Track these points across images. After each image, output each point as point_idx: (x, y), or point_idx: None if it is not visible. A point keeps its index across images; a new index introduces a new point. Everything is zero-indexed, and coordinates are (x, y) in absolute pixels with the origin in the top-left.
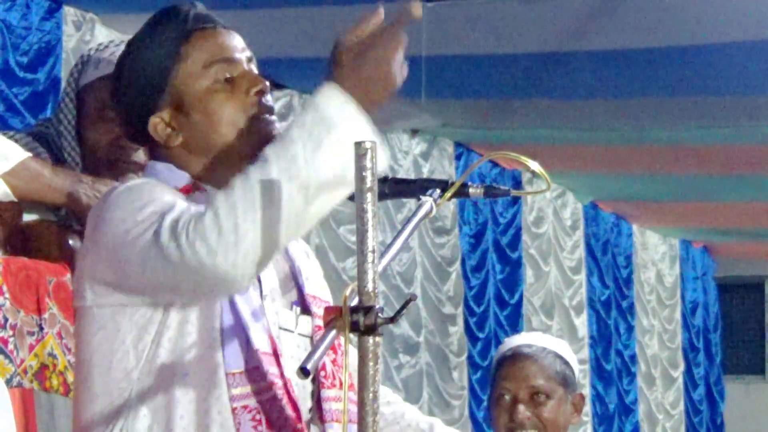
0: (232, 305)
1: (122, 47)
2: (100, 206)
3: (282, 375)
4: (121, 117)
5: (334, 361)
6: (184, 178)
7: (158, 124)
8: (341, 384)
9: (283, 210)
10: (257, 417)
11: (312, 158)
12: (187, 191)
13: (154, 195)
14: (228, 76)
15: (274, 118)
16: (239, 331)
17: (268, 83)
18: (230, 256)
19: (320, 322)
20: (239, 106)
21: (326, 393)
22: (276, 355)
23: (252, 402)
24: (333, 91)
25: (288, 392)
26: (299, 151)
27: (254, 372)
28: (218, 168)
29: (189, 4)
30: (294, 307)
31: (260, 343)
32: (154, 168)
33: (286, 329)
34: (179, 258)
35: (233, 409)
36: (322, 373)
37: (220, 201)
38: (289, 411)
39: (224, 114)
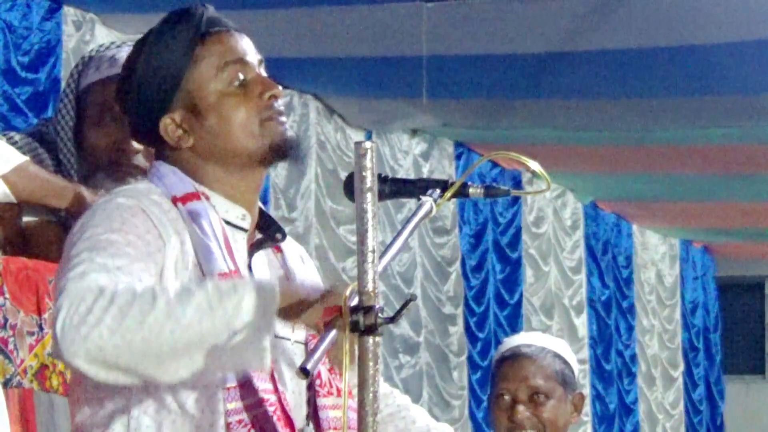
0: None
1: (124, 48)
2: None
3: (276, 389)
4: (130, 116)
5: (330, 369)
6: (187, 184)
7: (169, 125)
8: (339, 392)
9: (146, 339)
10: None
11: (203, 317)
12: (189, 199)
13: (113, 237)
14: (242, 78)
15: (285, 119)
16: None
17: (280, 87)
18: (74, 339)
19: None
20: (252, 109)
21: (322, 401)
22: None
23: (246, 417)
24: (271, 293)
25: (282, 405)
26: (199, 302)
27: (244, 387)
28: (228, 174)
29: (201, 6)
30: None
31: None
32: (158, 171)
33: (281, 337)
34: (55, 311)
35: (228, 424)
36: (318, 381)
37: (107, 295)
38: (281, 427)
39: (237, 118)
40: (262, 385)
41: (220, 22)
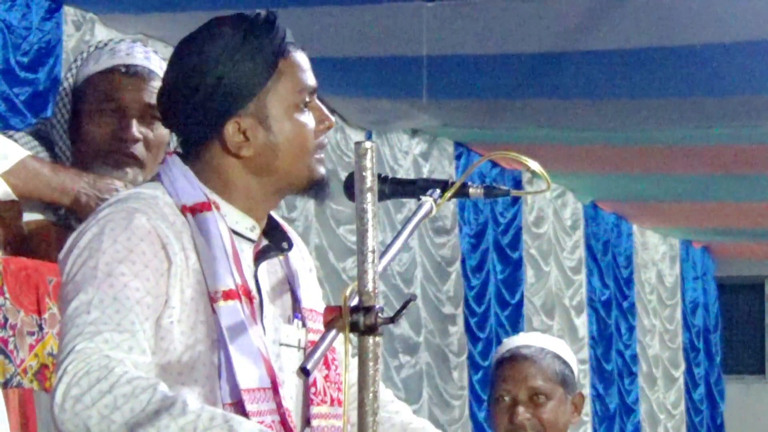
0: (222, 341)
1: (124, 43)
2: (85, 232)
3: (279, 406)
4: (184, 113)
5: (326, 377)
6: (198, 192)
7: (235, 129)
8: (332, 401)
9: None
10: None
11: None
12: (198, 209)
13: (120, 270)
14: (307, 101)
15: (324, 155)
16: (229, 366)
17: (333, 120)
18: (68, 410)
19: (314, 337)
20: (310, 136)
21: (314, 410)
22: (275, 386)
23: None
24: None
25: (284, 423)
26: (185, 425)
27: (238, 407)
28: (261, 190)
29: (275, 15)
30: (295, 320)
31: (246, 380)
32: (171, 172)
33: (286, 344)
34: (61, 372)
35: None
36: (312, 390)
37: (110, 379)
38: None
39: (302, 141)
40: (256, 407)
41: (295, 39)
